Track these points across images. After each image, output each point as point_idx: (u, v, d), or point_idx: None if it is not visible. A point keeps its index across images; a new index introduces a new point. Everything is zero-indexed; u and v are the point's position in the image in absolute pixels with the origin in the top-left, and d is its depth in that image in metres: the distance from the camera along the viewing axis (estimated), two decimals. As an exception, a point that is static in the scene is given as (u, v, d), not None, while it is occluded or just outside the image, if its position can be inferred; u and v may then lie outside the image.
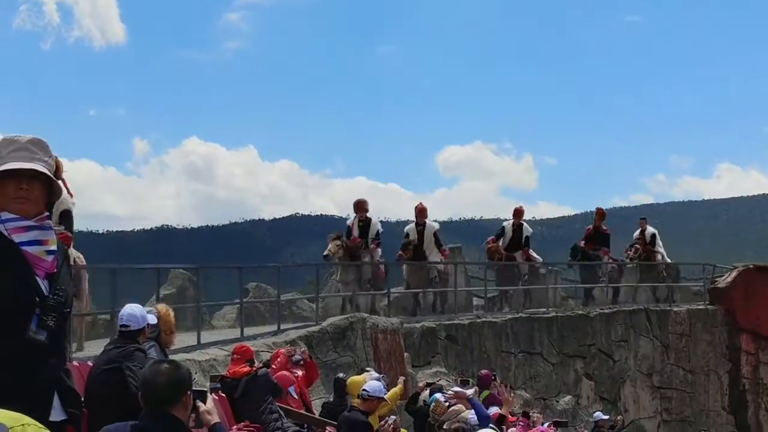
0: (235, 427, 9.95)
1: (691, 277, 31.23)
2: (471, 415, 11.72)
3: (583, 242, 26.68)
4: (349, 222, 20.97)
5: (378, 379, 12.49)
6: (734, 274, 28.38)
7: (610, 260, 27.21)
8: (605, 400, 24.44)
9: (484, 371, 16.83)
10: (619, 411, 23.94)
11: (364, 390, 11.43)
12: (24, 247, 4.34)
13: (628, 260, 27.86)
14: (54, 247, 4.47)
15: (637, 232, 28.35)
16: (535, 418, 15.71)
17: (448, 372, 19.73)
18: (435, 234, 22.14)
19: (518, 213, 24.95)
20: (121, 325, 8.28)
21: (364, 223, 20.47)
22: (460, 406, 12.20)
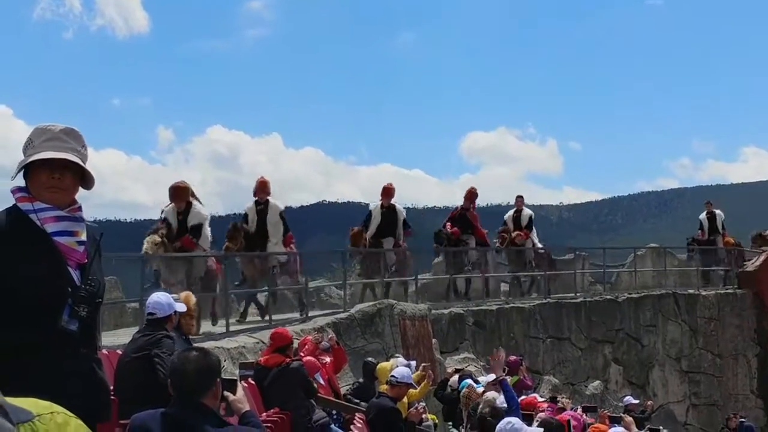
0: (264, 414, 9.99)
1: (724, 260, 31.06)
2: (501, 399, 11.74)
3: (448, 225, 22.59)
4: (164, 212, 17.05)
5: (406, 366, 12.52)
6: (763, 257, 28.24)
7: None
8: (634, 384, 24.40)
9: (512, 357, 16.82)
10: (647, 395, 23.88)
11: (392, 376, 11.45)
12: (56, 238, 4.36)
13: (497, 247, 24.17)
14: (84, 238, 4.49)
15: (510, 213, 24.90)
16: (563, 404, 15.68)
17: (476, 358, 19.74)
18: (281, 215, 18.37)
19: (387, 192, 20.64)
20: (148, 313, 8.34)
21: (183, 214, 16.19)
22: (493, 393, 12.21)
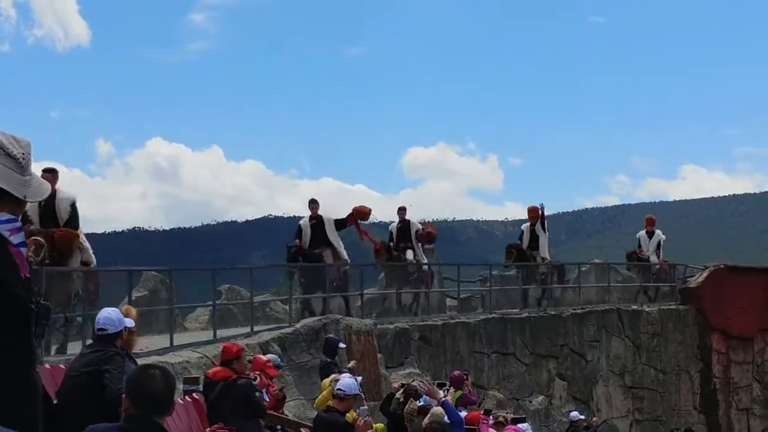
0: (208, 429, 9.92)
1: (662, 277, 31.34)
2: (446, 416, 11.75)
3: None
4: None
5: (349, 377, 12.43)
6: (705, 274, 28.55)
7: None
8: (578, 399, 24.53)
9: (456, 372, 16.87)
10: (591, 411, 24.03)
11: (339, 390, 11.33)
12: (21, 249, 4.26)
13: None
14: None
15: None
16: (503, 418, 15.70)
17: (421, 373, 19.75)
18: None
19: None
20: (99, 329, 8.19)
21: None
22: (439, 408, 12.22)
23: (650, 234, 28.87)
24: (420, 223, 23.01)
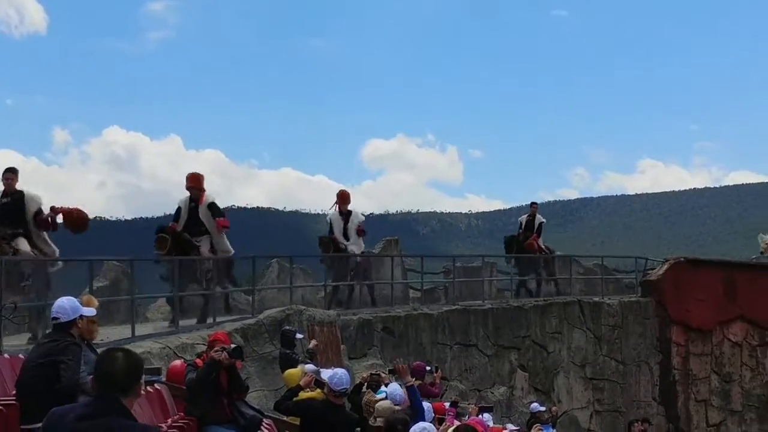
0: (169, 419, 9.89)
1: (623, 270, 31.58)
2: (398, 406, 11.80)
3: None
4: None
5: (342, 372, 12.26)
6: (665, 267, 28.79)
7: None
8: (539, 391, 24.66)
9: (417, 363, 16.92)
10: (552, 402, 24.16)
11: (343, 388, 10.54)
12: None
13: None
14: None
15: None
16: (473, 409, 15.77)
17: (384, 364, 19.78)
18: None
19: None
20: (53, 318, 8.20)
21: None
22: (387, 402, 12.25)
23: (345, 216, 21.72)
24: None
